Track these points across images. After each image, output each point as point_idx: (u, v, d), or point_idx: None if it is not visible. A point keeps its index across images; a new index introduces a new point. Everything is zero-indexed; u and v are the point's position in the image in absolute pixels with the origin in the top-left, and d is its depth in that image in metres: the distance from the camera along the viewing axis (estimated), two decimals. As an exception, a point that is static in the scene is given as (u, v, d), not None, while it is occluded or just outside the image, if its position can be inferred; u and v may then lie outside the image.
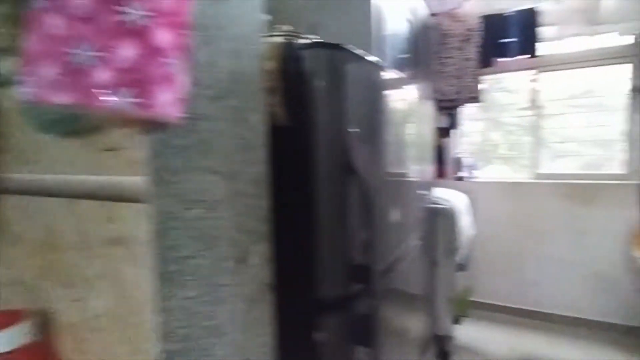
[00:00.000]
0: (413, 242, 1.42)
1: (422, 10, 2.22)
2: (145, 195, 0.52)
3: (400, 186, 1.33)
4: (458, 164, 3.18)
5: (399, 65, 1.79)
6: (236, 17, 0.65)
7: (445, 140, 3.11)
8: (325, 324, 0.82)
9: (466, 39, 2.68)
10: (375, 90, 1.08)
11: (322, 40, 0.86)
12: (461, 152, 3.27)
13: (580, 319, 2.77)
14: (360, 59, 0.94)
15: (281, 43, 0.81)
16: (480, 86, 2.73)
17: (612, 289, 2.67)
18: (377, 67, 1.08)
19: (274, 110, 0.78)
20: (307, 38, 1.01)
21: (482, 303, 3.04)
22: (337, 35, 1.37)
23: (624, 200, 2.61)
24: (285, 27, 0.96)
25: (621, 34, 2.47)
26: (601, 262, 2.70)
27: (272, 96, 0.78)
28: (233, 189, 0.64)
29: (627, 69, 2.64)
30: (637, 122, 2.61)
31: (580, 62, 2.77)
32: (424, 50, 2.26)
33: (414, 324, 1.52)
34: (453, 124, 3.10)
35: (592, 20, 2.35)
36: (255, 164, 0.69)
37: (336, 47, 0.86)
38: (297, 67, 0.79)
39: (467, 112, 3.28)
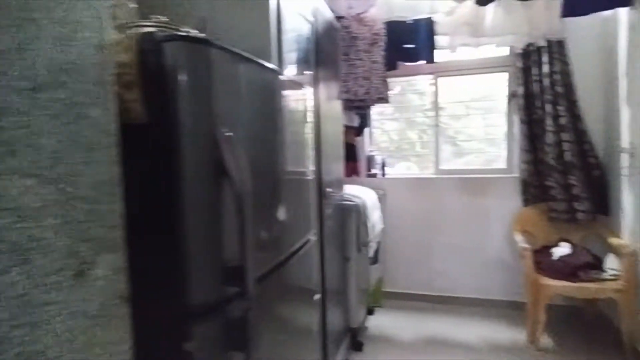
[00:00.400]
0: (309, 238, 1.45)
1: (326, 12, 2.28)
2: None
3: (295, 185, 1.35)
4: (370, 161, 3.34)
5: (301, 64, 1.82)
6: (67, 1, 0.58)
7: (358, 139, 3.25)
8: (196, 332, 0.79)
9: (373, 43, 2.83)
10: (259, 90, 1.07)
11: (189, 33, 0.82)
12: (373, 150, 3.44)
13: (478, 299, 3.09)
14: (234, 54, 0.92)
15: (140, 34, 0.76)
16: (388, 87, 2.89)
17: (501, 270, 3.03)
18: (260, 66, 1.08)
19: (131, 106, 0.73)
20: (184, 31, 0.97)
21: (393, 293, 3.23)
22: (231, 32, 1.35)
23: (507, 191, 2.97)
24: (161, 18, 0.90)
25: (498, 46, 2.81)
26: (493, 247, 3.04)
27: (129, 91, 0.73)
28: (63, 193, 0.57)
29: (505, 77, 3.02)
30: (514, 124, 2.99)
31: (470, 69, 3.11)
32: (329, 51, 2.33)
33: (310, 319, 1.55)
34: (365, 123, 3.24)
35: (476, 32, 2.64)
36: (98, 165, 0.62)
37: (203, 41, 0.83)
38: (158, 61, 0.75)
39: (380, 111, 3.47)
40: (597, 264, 2.49)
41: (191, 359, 0.75)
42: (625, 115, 2.46)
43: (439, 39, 2.74)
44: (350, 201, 2.53)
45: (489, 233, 3.05)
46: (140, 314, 0.69)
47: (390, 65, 2.87)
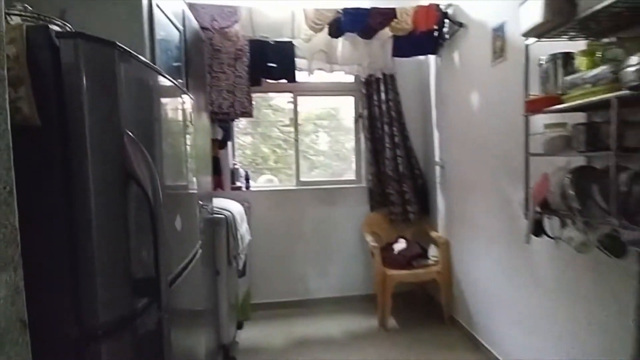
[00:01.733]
0: (194, 253, 1.41)
1: (193, 21, 2.24)
2: None
3: (179, 197, 1.30)
4: (234, 174, 3.34)
5: (173, 73, 1.75)
6: None
7: (222, 151, 3.22)
8: (107, 351, 0.71)
9: (237, 58, 2.89)
10: (150, 95, 1.02)
11: (85, 32, 0.74)
12: (236, 163, 3.46)
13: (337, 297, 3.42)
14: (132, 58, 0.87)
15: (28, 26, 0.66)
16: (251, 102, 2.98)
17: (355, 268, 3.44)
18: (153, 70, 1.03)
19: (17, 105, 0.62)
20: (52, 21, 0.87)
21: (260, 304, 3.29)
22: (95, 28, 1.23)
23: (357, 199, 3.42)
24: (20, 7, 0.79)
25: (346, 73, 3.27)
26: (347, 248, 3.43)
27: (14, 88, 0.62)
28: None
29: (351, 100, 3.52)
30: (359, 141, 3.50)
31: (325, 90, 3.50)
32: (197, 62, 2.29)
33: (199, 337, 1.49)
34: (228, 136, 3.24)
35: (330, 59, 3.01)
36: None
37: (103, 41, 0.77)
38: (52, 58, 0.66)
39: (239, 126, 3.53)
40: (424, 254, 3.12)
41: None
42: (436, 136, 3.20)
43: (298, 61, 3.00)
44: (220, 214, 2.50)
45: (342, 236, 3.44)
46: (41, 339, 0.58)
47: (254, 81, 2.98)
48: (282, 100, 3.62)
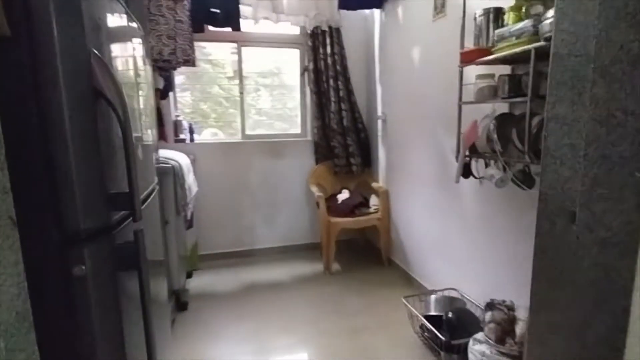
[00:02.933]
0: (153, 187, 1.41)
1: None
2: None
3: (145, 134, 1.28)
4: (177, 126, 3.23)
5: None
6: None
7: (163, 102, 3.08)
8: (86, 255, 0.74)
9: (177, 0, 2.71)
10: (108, 31, 0.98)
11: None
12: (179, 115, 3.33)
13: (283, 246, 3.57)
14: None
15: None
16: (194, 50, 2.85)
17: (301, 218, 3.59)
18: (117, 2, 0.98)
19: None
20: None
21: (208, 255, 3.34)
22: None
23: (303, 152, 3.51)
24: None
25: (292, 24, 3.22)
26: (293, 199, 3.56)
27: None
28: None
29: (297, 53, 3.49)
30: (305, 96, 3.53)
31: (270, 42, 3.42)
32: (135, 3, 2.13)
33: (161, 275, 1.53)
34: (169, 86, 3.09)
35: (276, 8, 2.94)
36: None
37: None
38: None
39: (183, 74, 3.36)
40: (365, 203, 3.34)
41: (83, 282, 0.70)
42: (379, 91, 3.34)
43: (243, 9, 2.89)
44: (166, 164, 2.44)
45: (289, 188, 3.54)
46: (28, 240, 0.60)
47: (197, 27, 2.83)
48: (222, 53, 3.47)
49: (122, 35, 1.05)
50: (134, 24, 1.23)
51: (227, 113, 3.56)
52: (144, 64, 1.38)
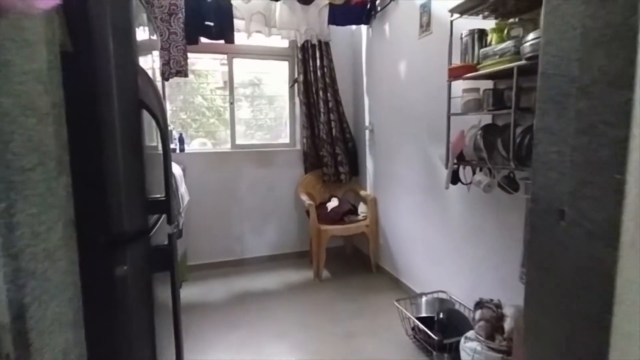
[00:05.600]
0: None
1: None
2: None
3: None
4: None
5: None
6: None
7: (154, 112, 3.10)
8: (128, 253, 0.79)
9: (171, 13, 2.77)
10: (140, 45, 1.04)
11: None
12: (170, 125, 3.35)
13: (273, 255, 3.61)
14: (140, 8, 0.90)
15: None
16: (187, 61, 2.90)
17: (290, 228, 3.65)
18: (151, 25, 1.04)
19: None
20: None
21: (197, 265, 3.34)
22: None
23: (292, 161, 3.59)
24: None
25: (283, 38, 3.32)
26: (283, 209, 3.61)
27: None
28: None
29: (285, 65, 3.60)
30: (295, 106, 3.63)
31: (260, 54, 3.51)
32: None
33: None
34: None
35: (268, 23, 3.04)
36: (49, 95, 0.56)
37: None
38: None
39: (173, 84, 3.39)
40: (354, 210, 3.44)
41: (124, 281, 0.75)
42: (366, 102, 3.47)
43: (236, 22, 2.97)
44: (161, 173, 2.47)
45: (278, 198, 3.60)
46: (80, 241, 0.65)
47: (191, 39, 2.89)
48: (206, 64, 3.51)
49: (149, 47, 1.11)
50: (155, 37, 1.29)
51: (209, 123, 3.58)
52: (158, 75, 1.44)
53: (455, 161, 1.94)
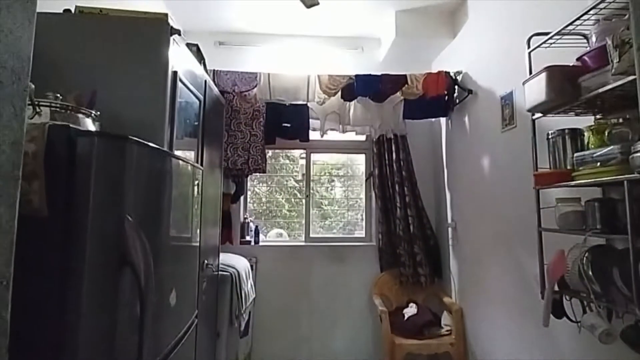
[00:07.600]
0: (189, 324, 1.37)
1: (214, 89, 2.38)
2: None
3: (185, 266, 1.29)
4: (244, 228, 3.34)
5: (189, 135, 1.83)
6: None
7: (233, 205, 3.25)
8: None
9: (254, 118, 3.01)
10: (158, 176, 1.06)
11: (100, 130, 0.79)
12: (247, 217, 3.46)
13: (342, 362, 3.22)
14: (145, 147, 0.91)
15: (50, 125, 0.71)
16: (265, 159, 3.05)
17: (363, 332, 3.27)
18: (161, 152, 1.08)
19: (30, 198, 0.64)
20: (79, 110, 0.92)
21: (263, 366, 3.12)
22: (124, 102, 1.31)
23: (367, 258, 3.33)
24: (51, 96, 0.85)
25: (358, 134, 3.33)
26: (355, 310, 3.29)
27: (29, 182, 0.64)
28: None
29: (362, 158, 3.56)
30: (370, 199, 3.48)
31: (337, 148, 3.56)
32: (214, 124, 2.39)
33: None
34: (241, 191, 3.28)
35: (342, 121, 3.09)
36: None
37: (117, 137, 0.82)
38: (68, 154, 0.69)
39: (254, 177, 3.57)
40: (436, 322, 2.95)
41: None
42: (448, 197, 3.16)
43: (312, 122, 3.09)
44: (225, 271, 2.46)
45: (351, 297, 3.31)
46: None
47: (269, 140, 3.07)
48: (294, 155, 3.69)
49: (173, 179, 1.12)
50: (191, 163, 1.33)
51: (300, 205, 3.62)
52: (200, 191, 1.45)
53: (556, 289, 1.51)
